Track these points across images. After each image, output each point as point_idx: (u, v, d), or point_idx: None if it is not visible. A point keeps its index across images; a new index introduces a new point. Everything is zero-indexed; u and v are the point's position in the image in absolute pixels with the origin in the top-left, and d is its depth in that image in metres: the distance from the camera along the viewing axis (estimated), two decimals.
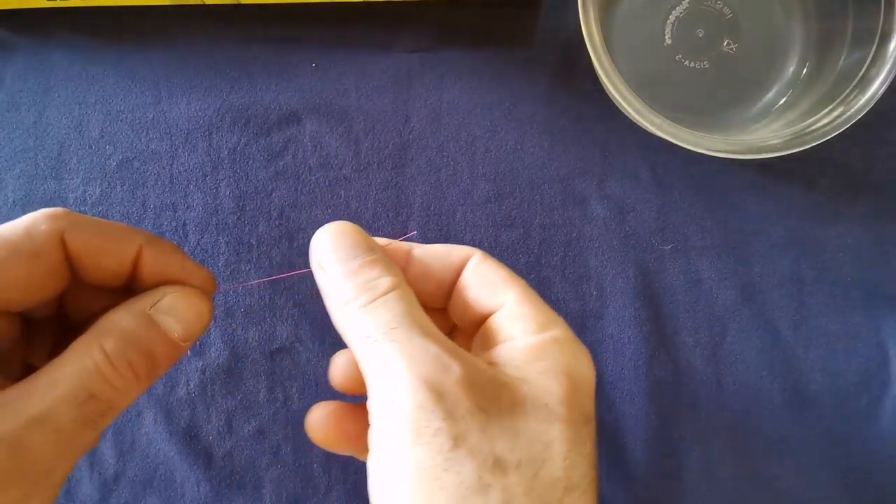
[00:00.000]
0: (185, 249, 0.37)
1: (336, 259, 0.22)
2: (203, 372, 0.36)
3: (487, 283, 0.23)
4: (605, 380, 0.37)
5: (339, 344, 0.36)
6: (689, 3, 0.37)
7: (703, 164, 0.37)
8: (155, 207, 0.37)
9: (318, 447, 0.36)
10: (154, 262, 0.22)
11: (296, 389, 0.36)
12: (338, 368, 0.26)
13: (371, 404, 0.20)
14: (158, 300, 0.21)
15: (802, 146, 0.33)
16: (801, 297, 0.37)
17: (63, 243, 0.21)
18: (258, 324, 0.36)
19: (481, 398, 0.19)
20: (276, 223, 0.37)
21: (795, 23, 0.38)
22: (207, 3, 0.37)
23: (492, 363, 0.21)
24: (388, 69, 0.38)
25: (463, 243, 0.37)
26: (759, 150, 0.32)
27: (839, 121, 0.33)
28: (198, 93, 0.38)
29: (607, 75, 0.32)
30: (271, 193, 0.37)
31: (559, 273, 0.37)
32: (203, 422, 0.36)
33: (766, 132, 0.36)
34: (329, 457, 0.36)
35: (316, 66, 0.38)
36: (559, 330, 0.22)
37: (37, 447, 0.18)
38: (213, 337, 0.36)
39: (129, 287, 0.23)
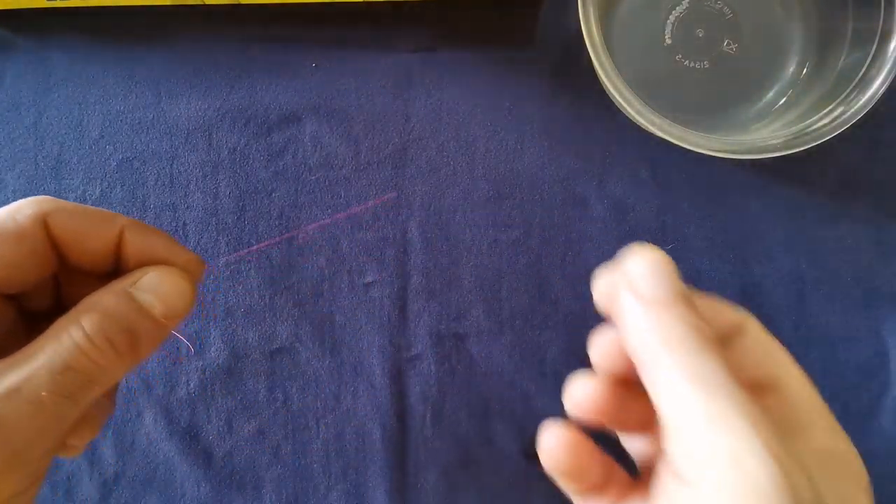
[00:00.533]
0: None
1: (664, 289, 0.20)
2: (203, 372, 0.36)
3: (771, 353, 0.21)
4: None
5: (339, 344, 0.36)
6: (689, 3, 0.37)
7: (702, 164, 0.37)
8: (155, 207, 0.37)
9: (317, 447, 0.36)
10: (138, 244, 0.22)
11: (296, 389, 0.36)
12: (593, 394, 0.23)
13: (682, 456, 0.18)
14: (139, 279, 0.22)
15: (802, 146, 0.33)
16: (800, 296, 0.37)
17: (46, 226, 0.21)
18: (258, 324, 0.36)
19: (820, 490, 0.17)
20: (276, 223, 0.37)
21: (795, 23, 0.38)
22: (207, 3, 0.37)
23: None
24: (388, 69, 0.38)
25: (463, 243, 0.37)
26: (759, 150, 0.32)
27: (839, 121, 0.33)
28: (198, 93, 0.38)
29: (607, 75, 0.32)
30: (271, 193, 0.37)
31: (559, 273, 0.37)
32: (203, 422, 0.36)
33: (766, 132, 0.36)
34: (329, 457, 0.36)
35: (316, 66, 0.38)
36: (845, 434, 0.20)
37: (12, 418, 0.18)
38: (213, 337, 0.36)
39: (118, 274, 0.23)
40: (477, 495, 0.36)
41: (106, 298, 0.21)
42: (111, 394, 0.26)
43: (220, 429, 0.36)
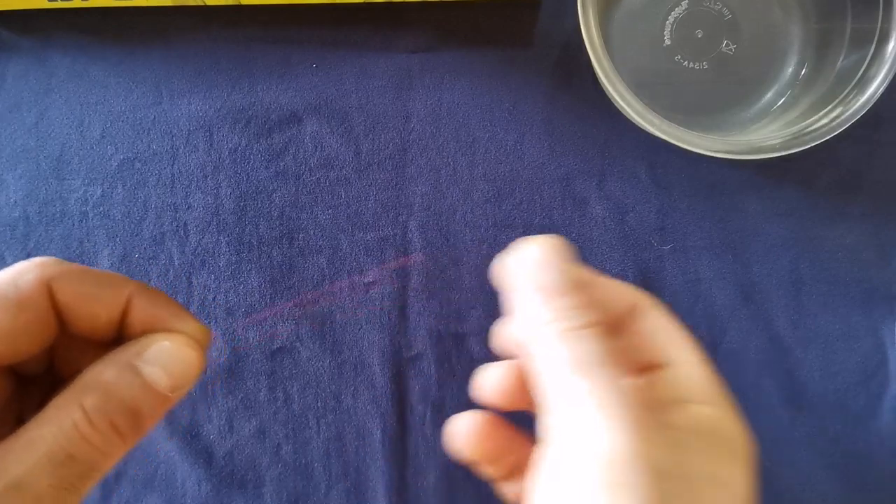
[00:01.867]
0: (186, 249, 0.37)
1: (545, 277, 0.20)
2: (204, 371, 0.36)
3: (666, 333, 0.22)
4: None
5: (339, 345, 0.36)
6: (688, 3, 0.37)
7: (702, 165, 0.38)
8: (156, 208, 0.37)
9: (317, 447, 0.36)
10: (145, 311, 0.21)
11: (296, 389, 0.36)
12: (494, 380, 0.24)
13: (555, 436, 0.19)
14: (144, 349, 0.20)
15: (801, 146, 0.33)
16: (799, 296, 0.37)
17: (51, 292, 0.20)
18: (258, 324, 0.36)
19: (673, 462, 0.18)
20: (277, 223, 0.37)
21: (794, 23, 0.38)
22: (208, 3, 0.37)
23: (667, 425, 0.20)
24: (388, 69, 0.38)
25: (463, 243, 0.37)
26: (758, 151, 0.33)
27: (838, 121, 0.33)
28: (199, 93, 0.38)
29: (607, 76, 0.32)
30: (272, 194, 0.37)
31: None
32: (204, 421, 0.36)
33: (765, 132, 0.36)
34: (329, 456, 0.36)
35: (316, 67, 0.38)
36: (730, 408, 0.21)
37: None
38: (213, 337, 0.36)
39: (120, 340, 0.21)
40: (476, 495, 0.36)
41: (108, 373, 0.19)
42: None
43: (221, 428, 0.36)
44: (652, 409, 0.19)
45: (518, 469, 0.23)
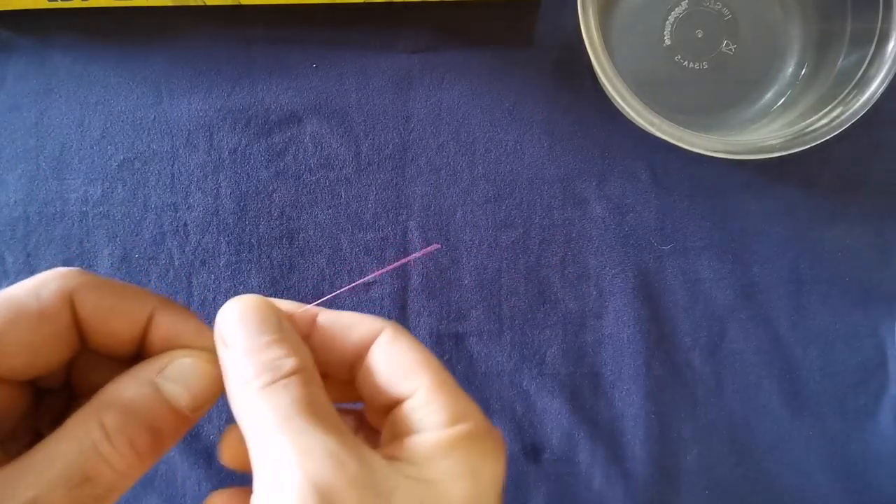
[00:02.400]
0: (186, 249, 0.37)
1: (241, 336, 0.19)
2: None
3: (398, 366, 0.21)
4: (604, 379, 0.37)
5: None
6: (688, 3, 0.37)
7: (702, 165, 0.38)
8: (156, 207, 0.37)
9: None
10: (166, 327, 0.20)
11: None
12: (230, 444, 0.23)
13: (255, 500, 0.18)
14: (166, 366, 0.20)
15: (801, 146, 0.33)
16: (799, 296, 0.37)
17: (72, 304, 0.19)
18: None
19: (374, 501, 0.17)
20: (277, 223, 0.37)
21: (794, 23, 0.38)
22: (208, 3, 0.37)
23: (395, 458, 0.19)
24: (388, 70, 0.38)
25: (463, 243, 0.37)
26: (757, 151, 0.33)
27: (838, 121, 0.33)
28: (199, 93, 0.38)
29: (606, 76, 0.32)
30: (272, 193, 0.37)
31: (559, 273, 0.37)
32: (204, 421, 0.36)
33: (765, 132, 0.36)
34: None
35: (316, 67, 0.38)
36: (471, 423, 0.19)
37: None
38: None
39: (140, 357, 0.21)
40: None
41: (129, 390, 0.19)
42: None
43: (222, 428, 0.36)
44: (383, 443, 0.19)
45: None
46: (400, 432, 0.20)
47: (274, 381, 0.18)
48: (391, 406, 0.21)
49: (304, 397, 0.18)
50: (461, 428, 0.19)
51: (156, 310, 0.20)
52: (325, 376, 0.22)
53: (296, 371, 0.19)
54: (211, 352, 0.21)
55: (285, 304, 0.22)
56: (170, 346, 0.20)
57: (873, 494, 0.37)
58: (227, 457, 0.23)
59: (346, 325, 0.22)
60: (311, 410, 0.18)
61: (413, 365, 0.20)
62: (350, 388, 0.23)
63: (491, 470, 0.19)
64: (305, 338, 0.21)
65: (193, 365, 0.20)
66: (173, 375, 0.19)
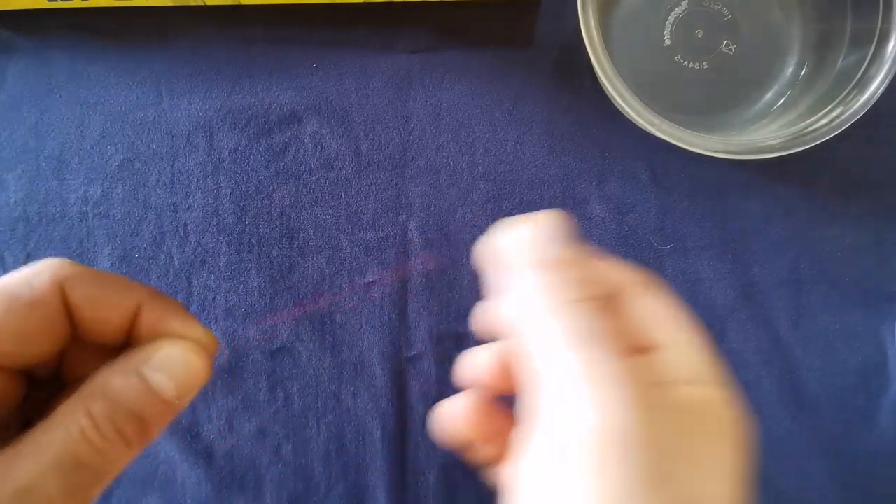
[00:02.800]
0: (186, 249, 0.37)
1: (549, 249, 0.20)
2: (210, 378, 0.36)
3: (661, 315, 0.21)
4: None
5: (339, 345, 0.36)
6: (688, 3, 0.37)
7: (702, 165, 0.38)
8: (156, 207, 0.37)
9: (317, 446, 0.36)
10: (154, 317, 0.21)
11: (296, 389, 0.36)
12: (480, 363, 0.24)
13: (545, 414, 0.18)
14: (152, 356, 0.20)
15: (801, 146, 0.33)
16: (799, 296, 0.37)
17: (63, 293, 0.20)
18: (259, 323, 0.36)
19: (666, 444, 0.17)
20: (277, 223, 0.37)
21: (794, 24, 0.38)
22: (208, 3, 0.37)
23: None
24: (388, 69, 0.38)
25: (463, 243, 0.37)
26: (757, 151, 0.33)
27: (838, 121, 0.33)
28: (199, 93, 0.38)
29: (606, 76, 0.32)
30: (272, 193, 0.37)
31: None
32: (204, 421, 0.36)
33: (765, 132, 0.36)
34: (329, 456, 0.36)
35: (316, 67, 0.38)
36: (728, 390, 0.20)
37: None
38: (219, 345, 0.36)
39: (128, 347, 0.22)
40: (476, 495, 0.36)
41: (115, 380, 0.19)
42: None
43: (221, 428, 0.36)
44: (645, 388, 0.18)
45: (511, 452, 0.23)
46: (653, 379, 0.20)
47: (587, 299, 0.19)
48: (637, 350, 0.21)
49: (599, 324, 0.19)
50: (725, 391, 0.20)
51: (144, 301, 0.21)
52: None
53: (591, 297, 0.19)
54: (196, 342, 0.21)
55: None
56: (157, 337, 0.21)
57: (873, 494, 0.37)
58: (478, 374, 0.24)
59: (612, 265, 0.22)
60: (607, 337, 0.19)
61: (674, 318, 0.21)
62: None
63: (737, 434, 0.20)
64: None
65: (179, 355, 0.20)
66: (159, 365, 0.20)
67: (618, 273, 0.22)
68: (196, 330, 0.22)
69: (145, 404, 0.20)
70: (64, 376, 0.22)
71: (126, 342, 0.22)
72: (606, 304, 0.21)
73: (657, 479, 0.17)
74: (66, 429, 0.18)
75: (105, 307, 0.20)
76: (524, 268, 0.20)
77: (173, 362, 0.20)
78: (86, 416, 0.19)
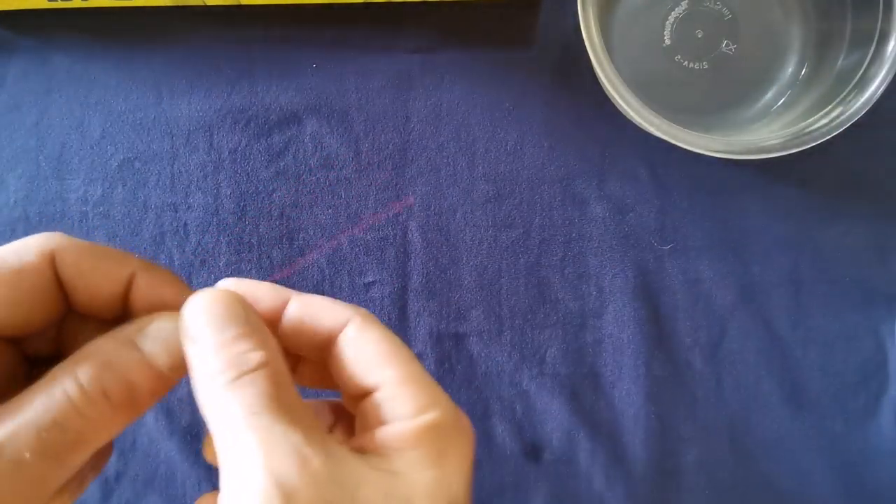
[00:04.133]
0: (186, 249, 0.37)
1: (207, 330, 0.19)
2: None
3: (366, 357, 0.21)
4: (604, 379, 0.37)
5: None
6: (688, 3, 0.37)
7: (702, 165, 0.38)
8: (156, 207, 0.37)
9: None
10: (149, 288, 0.21)
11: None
12: (211, 440, 0.23)
13: (223, 497, 0.18)
14: (145, 326, 0.20)
15: (801, 146, 0.33)
16: (799, 296, 0.37)
17: (53, 263, 0.20)
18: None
19: (338, 496, 0.17)
20: (277, 223, 0.37)
21: (794, 24, 0.38)
22: (208, 3, 0.37)
23: (365, 449, 0.19)
24: (388, 69, 0.38)
25: (463, 243, 0.37)
26: (757, 151, 0.33)
27: (838, 121, 0.33)
28: (199, 93, 0.38)
29: (606, 76, 0.32)
30: (272, 194, 0.37)
31: (559, 273, 0.37)
32: (204, 421, 0.36)
33: (765, 132, 0.36)
34: None
35: (316, 67, 0.38)
36: (437, 412, 0.19)
37: None
38: None
39: (125, 321, 0.21)
40: (476, 495, 0.36)
41: (106, 346, 0.19)
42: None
43: None
44: (357, 433, 0.19)
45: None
46: (369, 423, 0.20)
47: (240, 376, 0.18)
48: (361, 396, 0.21)
49: (270, 392, 0.18)
50: (427, 418, 0.19)
51: (137, 271, 0.21)
52: (303, 360, 0.22)
53: (262, 365, 0.19)
54: None
55: (258, 287, 0.22)
56: (152, 309, 0.21)
57: (873, 494, 0.37)
58: (209, 454, 0.23)
59: (316, 311, 0.22)
60: (277, 405, 0.18)
61: (380, 355, 0.20)
62: (328, 372, 0.22)
63: (457, 458, 0.19)
64: (275, 324, 0.22)
65: (174, 327, 0.20)
66: (153, 335, 0.20)
67: (330, 313, 0.21)
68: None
69: (136, 371, 0.19)
70: (64, 354, 0.22)
71: (122, 316, 0.21)
72: (324, 352, 0.21)
73: None
74: (49, 391, 0.18)
75: (97, 277, 0.20)
76: (200, 344, 0.19)
77: (168, 333, 0.20)
78: (72, 380, 0.18)
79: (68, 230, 0.37)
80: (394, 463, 0.19)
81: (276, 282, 0.36)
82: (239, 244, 0.37)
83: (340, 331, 0.21)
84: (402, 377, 0.20)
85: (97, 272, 0.20)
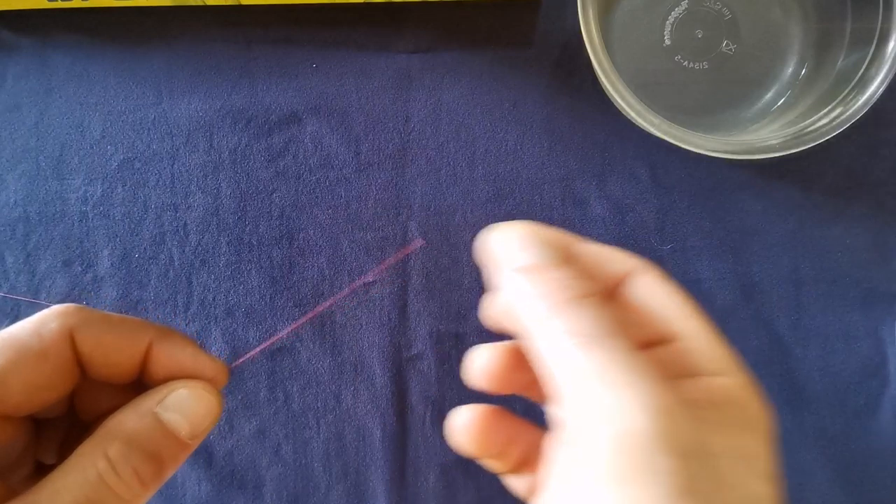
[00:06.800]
0: (186, 249, 0.37)
1: (540, 252, 0.19)
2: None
3: (667, 305, 0.20)
4: None
5: (339, 345, 0.36)
6: (688, 3, 0.37)
7: (702, 165, 0.38)
8: (156, 208, 0.37)
9: (317, 446, 0.36)
10: (165, 355, 0.22)
11: (296, 389, 0.36)
12: (486, 362, 0.23)
13: (566, 422, 0.17)
14: (165, 396, 0.21)
15: (801, 146, 0.33)
16: (799, 296, 0.37)
17: (72, 341, 0.20)
18: (258, 324, 0.36)
19: (707, 437, 0.16)
20: (277, 223, 0.37)
21: (794, 23, 0.38)
22: (208, 3, 0.37)
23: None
24: (388, 69, 0.38)
25: (463, 243, 0.37)
26: (757, 151, 0.33)
27: (838, 121, 0.33)
28: (199, 93, 0.38)
29: (606, 76, 0.32)
30: (272, 193, 0.37)
31: None
32: None
33: (765, 132, 0.36)
34: (329, 456, 0.36)
35: (316, 67, 0.38)
36: (746, 375, 0.19)
37: None
38: (213, 337, 0.36)
39: (140, 382, 0.22)
40: (476, 495, 0.36)
41: (131, 422, 0.20)
42: None
43: (221, 428, 0.36)
44: (665, 385, 0.17)
45: (527, 461, 0.22)
46: (672, 372, 0.19)
47: (585, 296, 0.18)
48: (650, 343, 0.20)
49: (608, 317, 0.18)
50: (743, 379, 0.19)
51: (154, 340, 0.21)
52: None
53: (592, 292, 0.18)
54: (208, 379, 0.22)
55: (547, 228, 0.21)
56: (169, 374, 0.21)
57: (873, 494, 0.37)
58: (485, 375, 0.23)
59: (606, 255, 0.21)
60: (619, 331, 0.17)
61: (681, 306, 0.20)
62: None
63: (768, 431, 0.19)
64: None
65: (191, 394, 0.21)
66: (172, 405, 0.21)
67: (616, 261, 0.21)
68: (206, 364, 0.22)
69: (161, 444, 0.20)
70: (78, 412, 0.23)
71: (139, 377, 0.22)
72: (609, 298, 0.20)
73: (687, 489, 0.15)
74: (83, 472, 0.19)
75: (115, 351, 0.21)
76: (517, 271, 0.19)
77: (187, 402, 0.21)
78: (103, 459, 0.19)
79: (68, 230, 0.37)
80: (714, 419, 0.18)
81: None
82: (239, 244, 0.37)
83: (625, 277, 0.21)
84: (709, 333, 0.20)
85: (116, 347, 0.21)
